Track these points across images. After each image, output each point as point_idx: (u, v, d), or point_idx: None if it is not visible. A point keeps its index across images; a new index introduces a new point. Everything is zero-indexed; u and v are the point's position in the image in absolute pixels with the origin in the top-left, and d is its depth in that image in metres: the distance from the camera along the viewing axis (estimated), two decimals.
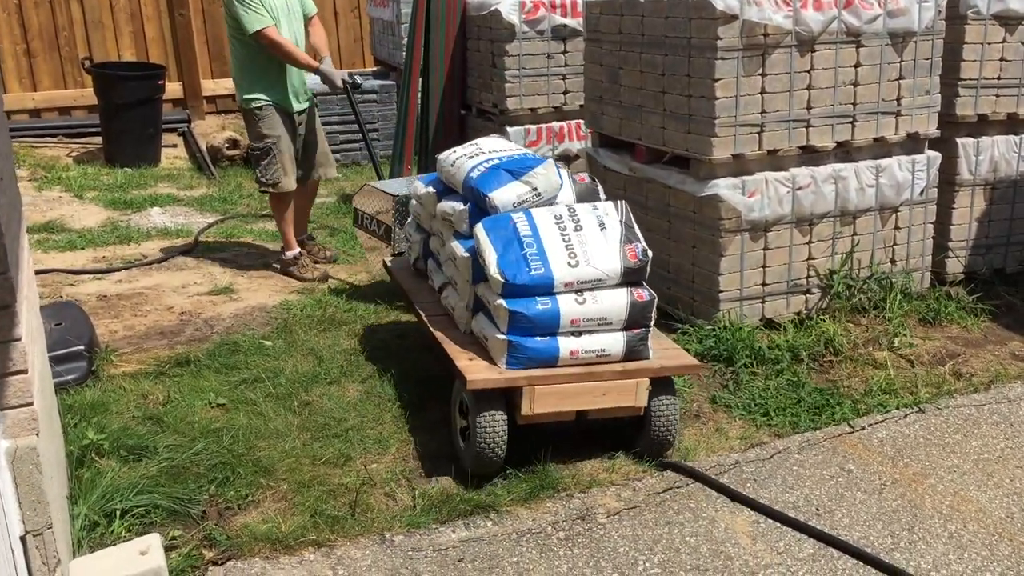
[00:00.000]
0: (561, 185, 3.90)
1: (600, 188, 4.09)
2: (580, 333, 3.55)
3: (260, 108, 5.67)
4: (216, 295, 5.61)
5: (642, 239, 3.70)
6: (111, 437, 3.67)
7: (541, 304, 3.50)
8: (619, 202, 3.84)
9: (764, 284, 4.68)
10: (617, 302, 3.56)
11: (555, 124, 6.60)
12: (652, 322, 3.65)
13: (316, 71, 5.68)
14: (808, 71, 4.53)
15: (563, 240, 3.61)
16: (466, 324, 3.86)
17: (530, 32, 6.38)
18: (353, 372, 4.45)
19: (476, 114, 7.01)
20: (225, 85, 10.59)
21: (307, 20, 5.98)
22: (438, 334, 3.88)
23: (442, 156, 4.20)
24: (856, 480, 3.51)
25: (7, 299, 2.40)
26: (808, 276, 4.76)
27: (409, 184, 5.06)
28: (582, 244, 3.61)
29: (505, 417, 3.50)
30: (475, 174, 3.86)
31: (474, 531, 3.27)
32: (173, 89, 10.17)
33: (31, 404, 2.48)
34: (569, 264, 3.55)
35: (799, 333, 4.61)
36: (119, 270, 6.06)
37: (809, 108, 4.58)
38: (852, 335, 4.61)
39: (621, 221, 3.73)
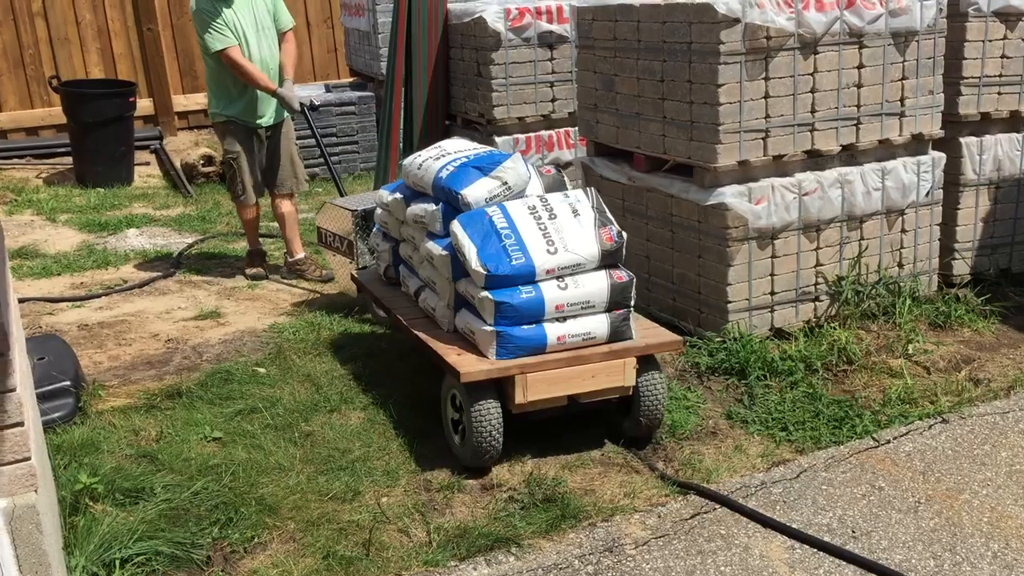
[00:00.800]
0: (529, 178, 3.97)
1: (566, 179, 4.18)
2: (565, 318, 3.63)
3: (223, 123, 5.83)
4: (202, 320, 5.41)
5: (615, 222, 3.77)
6: (105, 480, 3.47)
7: (525, 292, 3.58)
8: (588, 189, 3.92)
9: (773, 293, 4.56)
10: (598, 285, 3.65)
11: (544, 133, 6.45)
12: (632, 302, 3.73)
13: (274, 94, 5.74)
14: (811, 74, 4.42)
15: (540, 229, 3.68)
16: (449, 322, 3.89)
17: (516, 40, 6.23)
18: (354, 398, 4.27)
19: (461, 124, 6.85)
20: (196, 100, 10.37)
21: (281, 35, 5.99)
22: (423, 335, 3.91)
23: (407, 161, 4.24)
24: (889, 498, 3.38)
25: (0, 346, 2.21)
26: (816, 283, 4.65)
27: (366, 199, 5.27)
28: (558, 231, 3.68)
29: (499, 406, 3.56)
30: (444, 174, 3.91)
31: (497, 568, 3.11)
32: (144, 106, 9.94)
33: (28, 459, 2.29)
34: (548, 251, 3.63)
35: (810, 342, 4.50)
36: (99, 296, 5.84)
37: (813, 111, 4.47)
38: (864, 342, 4.50)
39: (593, 207, 3.81)
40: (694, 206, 4.53)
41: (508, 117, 6.35)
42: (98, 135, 8.72)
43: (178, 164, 9.25)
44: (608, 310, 3.68)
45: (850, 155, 4.66)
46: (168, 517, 3.36)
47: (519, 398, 3.57)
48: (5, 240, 6.98)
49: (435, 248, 3.85)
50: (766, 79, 4.34)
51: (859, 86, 4.55)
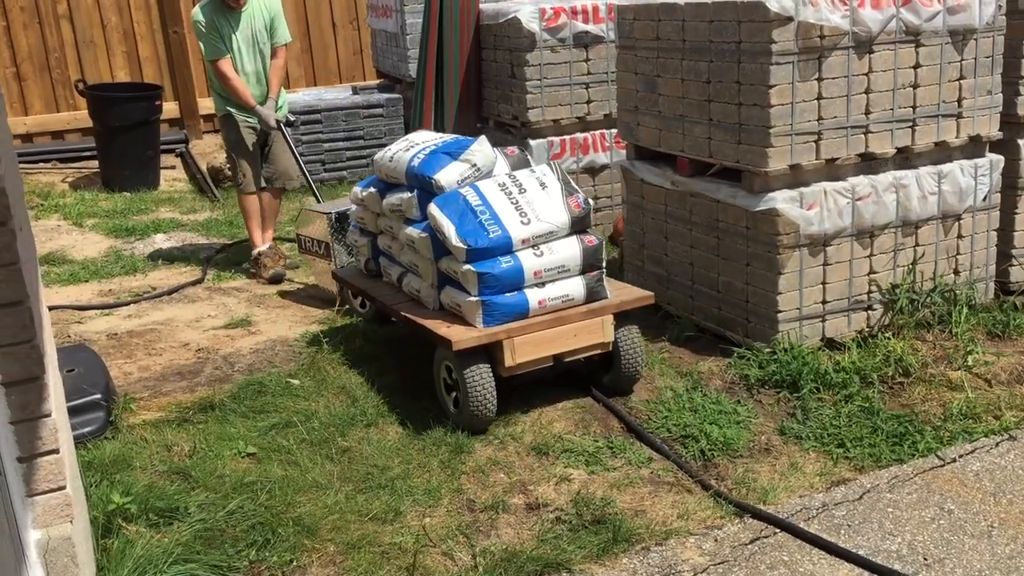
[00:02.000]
0: (496, 159, 4.24)
1: (530, 157, 4.47)
2: (544, 283, 3.93)
3: (223, 116, 6.17)
4: (233, 328, 5.30)
5: (580, 191, 4.09)
6: (138, 499, 3.35)
7: (504, 262, 3.85)
8: (552, 163, 4.26)
9: (824, 302, 4.39)
10: (571, 250, 3.95)
11: (579, 135, 6.30)
12: (604, 264, 4.06)
13: (252, 110, 6.06)
14: (866, 74, 4.25)
15: (512, 203, 3.95)
16: (434, 301, 4.12)
17: (551, 40, 6.08)
18: (391, 412, 4.14)
19: (494, 127, 6.71)
20: None
21: (274, 49, 6.21)
22: (411, 315, 4.14)
23: (378, 156, 4.49)
24: (960, 522, 3.21)
25: (35, 370, 2.09)
26: (870, 291, 4.47)
27: (339, 204, 5.57)
28: (529, 204, 3.96)
29: (490, 370, 3.83)
30: (416, 162, 4.16)
31: None
32: (169, 109, 9.86)
33: (64, 488, 2.17)
34: (522, 223, 3.90)
35: (864, 353, 4.32)
36: (127, 304, 5.74)
37: (868, 113, 4.29)
38: (920, 353, 4.32)
39: (559, 179, 4.10)
40: (742, 212, 4.36)
41: (542, 119, 6.20)
42: (124, 139, 8.65)
43: (204, 167, 9.17)
44: (582, 272, 3.99)
45: (905, 158, 4.48)
46: (203, 538, 3.23)
47: (508, 361, 3.84)
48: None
49: (415, 232, 4.07)
50: (819, 80, 4.17)
51: (915, 86, 4.36)
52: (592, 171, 6.37)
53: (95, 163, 9.18)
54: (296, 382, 4.44)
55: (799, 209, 4.22)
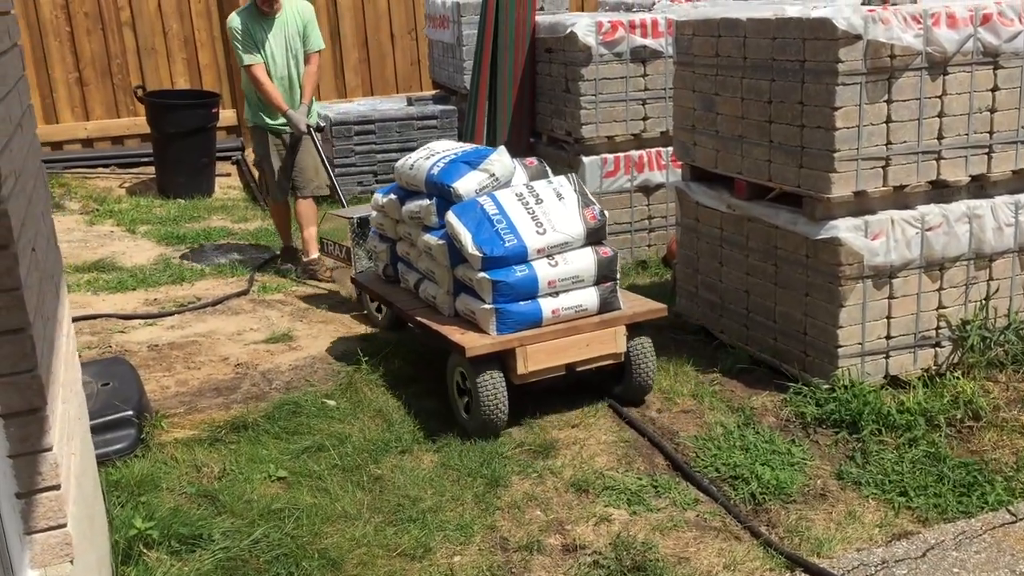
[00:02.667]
0: (515, 169, 4.32)
1: (549, 169, 4.51)
2: (558, 293, 3.97)
3: (252, 127, 6.35)
4: (274, 343, 5.21)
5: (597, 202, 4.13)
6: (161, 524, 3.25)
7: (519, 271, 3.90)
8: (570, 175, 4.27)
9: (888, 337, 4.13)
10: (585, 261, 4.00)
11: (634, 153, 6.11)
12: (618, 275, 4.08)
13: (284, 114, 6.12)
14: (939, 96, 3.99)
15: (528, 213, 4.00)
16: (449, 307, 4.17)
17: (607, 55, 5.91)
18: (427, 438, 3.99)
19: (547, 142, 6.56)
20: None
21: (307, 56, 6.29)
22: (427, 320, 4.20)
23: (399, 163, 4.58)
24: None
25: (36, 402, 1.98)
26: (938, 327, 4.20)
27: (362, 209, 5.62)
28: (546, 214, 4.01)
29: (503, 377, 3.86)
30: (436, 170, 4.25)
31: None
32: (227, 116, 9.89)
33: (64, 526, 2.04)
34: (538, 232, 3.95)
35: (931, 393, 4.05)
36: (171, 315, 5.69)
37: (940, 138, 4.04)
38: (992, 395, 4.04)
39: (575, 190, 4.14)
40: (802, 239, 4.13)
41: (596, 136, 6.02)
42: (180, 146, 8.67)
43: (257, 176, 9.16)
44: (596, 283, 4.03)
45: (980, 186, 4.21)
46: (225, 568, 3.12)
47: (520, 368, 3.87)
48: (83, 252, 6.92)
49: (432, 239, 4.15)
50: (888, 102, 3.93)
51: (992, 110, 4.10)
52: (647, 190, 6.17)
53: (152, 169, 9.23)
54: (332, 403, 4.32)
55: (863, 239, 3.98)
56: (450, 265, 4.09)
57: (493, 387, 3.83)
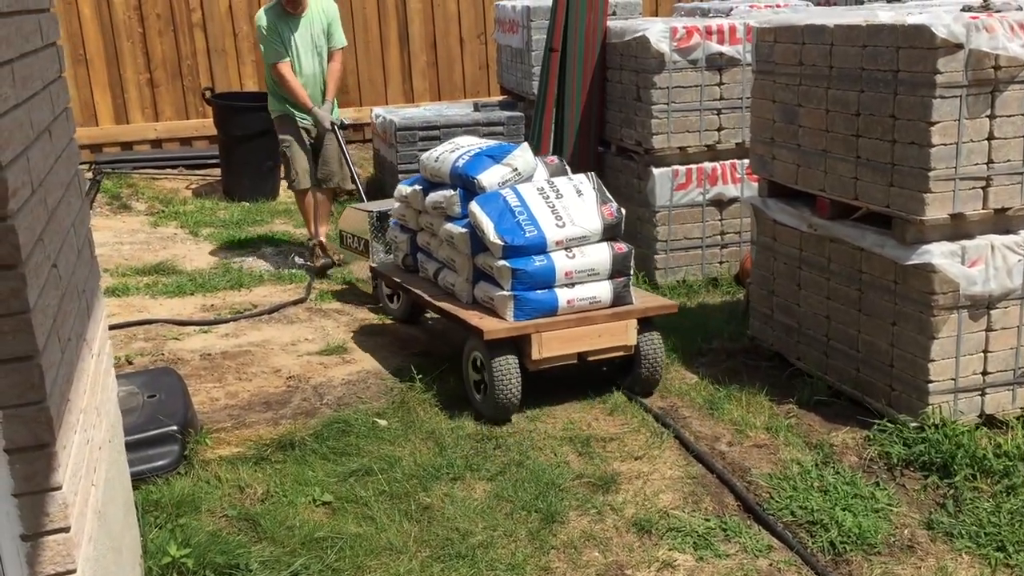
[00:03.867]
0: (536, 166, 4.50)
1: (568, 167, 4.69)
2: (574, 284, 4.13)
3: (278, 116, 6.44)
4: (328, 355, 5.05)
5: (614, 200, 4.30)
6: (197, 551, 3.09)
7: (538, 261, 4.07)
8: (589, 174, 4.43)
9: (985, 372, 3.79)
10: (601, 255, 4.16)
11: (707, 165, 5.82)
12: (632, 271, 4.26)
13: (309, 112, 6.31)
14: None
15: (548, 207, 4.17)
16: (468, 295, 4.34)
17: (681, 62, 5.63)
18: (480, 465, 3.77)
19: (615, 152, 6.30)
20: (346, 115, 10.16)
21: (330, 53, 6.48)
22: (446, 305, 4.39)
23: (424, 156, 4.74)
24: None
25: (43, 436, 1.81)
26: None
27: (382, 204, 5.83)
28: (565, 209, 4.18)
29: (518, 362, 4.02)
30: (461, 163, 4.41)
31: None
32: None
33: (73, 571, 1.87)
34: (557, 225, 4.12)
35: None
36: (226, 322, 5.57)
37: None
38: None
39: (594, 188, 4.32)
40: (890, 264, 3.81)
41: (668, 146, 5.74)
42: (246, 148, 8.62)
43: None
44: (611, 277, 4.18)
45: None
46: None
47: (535, 354, 4.04)
48: (145, 254, 6.87)
49: (455, 228, 4.31)
50: (991, 117, 3.59)
51: None
52: (719, 204, 5.87)
53: (219, 171, 9.21)
54: (383, 423, 4.13)
55: (959, 265, 3.64)
56: (471, 253, 4.24)
57: (508, 371, 3.97)
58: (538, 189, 4.27)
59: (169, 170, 9.69)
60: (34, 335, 1.76)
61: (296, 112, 6.36)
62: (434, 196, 4.51)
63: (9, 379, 1.75)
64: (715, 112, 5.76)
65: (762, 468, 3.68)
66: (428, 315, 5.40)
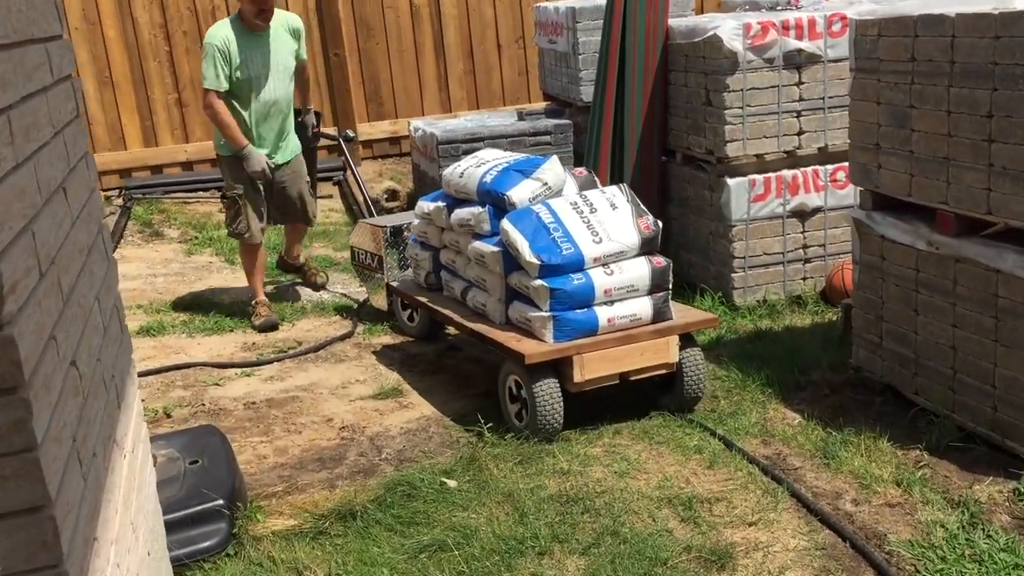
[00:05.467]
0: (566, 179, 4.35)
1: (597, 179, 4.56)
2: (613, 302, 3.98)
3: (228, 157, 5.59)
4: (382, 399, 4.60)
5: (649, 213, 4.14)
6: None
7: (576, 280, 3.92)
8: (621, 185, 4.29)
9: None
10: (640, 270, 4.02)
11: (787, 173, 5.30)
12: (670, 285, 4.08)
13: (240, 151, 5.45)
14: None
15: (583, 222, 4.03)
16: (500, 315, 4.17)
17: (756, 61, 5.12)
18: (569, 535, 3.28)
19: (681, 161, 5.80)
20: (382, 128, 9.80)
21: (299, 66, 5.82)
22: (481, 327, 4.21)
23: (447, 172, 4.56)
24: None
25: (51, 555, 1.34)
26: None
27: (395, 218, 5.72)
28: (600, 223, 4.04)
29: (558, 384, 3.88)
30: (488, 178, 4.24)
31: None
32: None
33: None
34: (594, 241, 3.98)
35: None
36: (270, 363, 5.14)
37: None
38: None
39: (628, 200, 4.18)
40: None
41: (743, 154, 5.24)
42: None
43: (360, 199, 8.64)
44: (650, 292, 4.04)
45: None
46: None
47: (577, 377, 3.89)
48: (179, 287, 6.44)
49: (485, 247, 4.15)
50: None
51: None
52: (801, 215, 5.35)
53: None
54: (452, 484, 3.66)
55: None
56: (503, 272, 4.08)
57: (550, 395, 3.85)
58: (571, 203, 4.12)
59: (201, 193, 9.30)
60: (44, 479, 1.31)
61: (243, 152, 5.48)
62: (460, 213, 4.33)
63: (13, 539, 1.30)
64: (794, 114, 5.24)
65: (900, 533, 3.16)
66: (448, 331, 5.13)
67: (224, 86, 5.36)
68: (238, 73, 5.36)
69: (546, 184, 4.21)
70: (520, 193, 4.14)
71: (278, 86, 5.56)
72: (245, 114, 5.51)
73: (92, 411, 1.73)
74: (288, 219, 6.01)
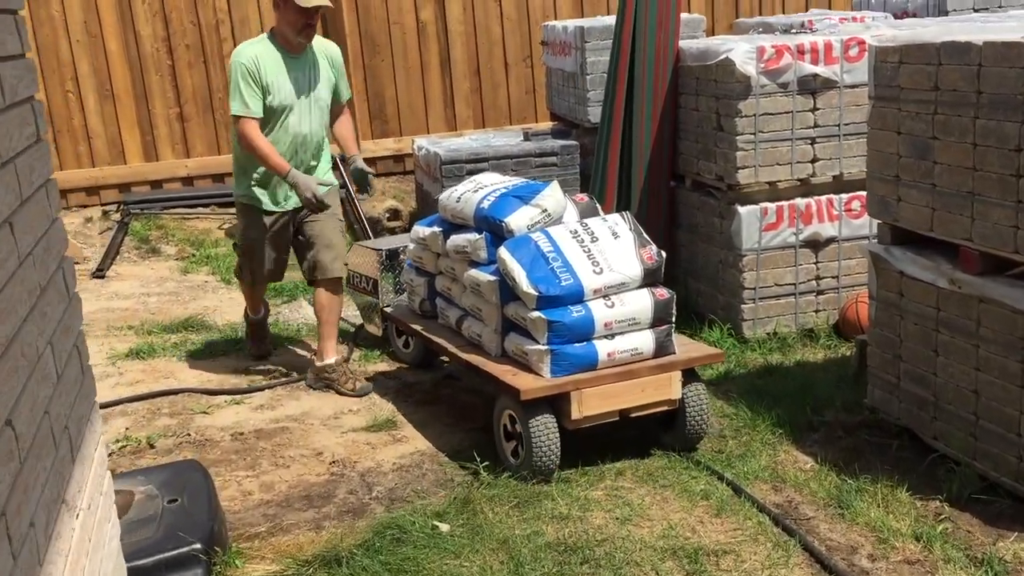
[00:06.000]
0: (567, 206, 4.19)
1: (599, 205, 4.39)
2: (614, 335, 3.81)
3: (243, 206, 4.94)
4: (375, 432, 4.41)
5: (653, 243, 3.96)
6: None
7: (575, 312, 3.76)
8: (624, 213, 4.13)
9: None
10: (642, 302, 3.85)
11: (800, 201, 5.12)
12: (674, 318, 3.90)
13: (285, 176, 4.64)
14: None
15: (584, 251, 3.88)
16: (496, 347, 4.01)
17: (770, 85, 4.95)
18: None
19: (691, 187, 5.62)
20: (385, 145, 9.64)
21: (339, 108, 5.02)
22: (475, 359, 4.05)
23: (443, 196, 4.40)
24: None
25: None
26: None
27: (392, 241, 5.53)
28: (601, 253, 3.88)
29: (555, 421, 3.70)
30: (486, 204, 4.10)
31: None
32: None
33: None
34: (594, 272, 3.82)
35: None
36: (260, 390, 4.96)
37: None
38: None
39: (631, 229, 4.01)
40: None
41: (755, 181, 5.06)
42: None
43: (363, 216, 8.48)
44: (652, 326, 3.86)
45: None
46: None
47: (575, 414, 3.72)
48: (174, 307, 6.22)
49: (481, 275, 4.00)
50: None
51: None
52: (814, 245, 5.16)
53: None
54: (445, 528, 3.47)
55: None
56: (500, 303, 3.93)
57: (546, 432, 3.68)
58: (571, 232, 3.98)
59: (201, 209, 9.15)
60: None
61: (268, 200, 4.81)
62: (456, 239, 4.19)
63: None
64: (809, 141, 5.06)
65: None
66: (444, 359, 4.85)
67: (258, 113, 4.61)
68: (268, 99, 4.64)
69: (545, 211, 4.05)
70: (518, 220, 3.99)
71: (311, 119, 4.78)
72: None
73: (32, 475, 1.55)
74: (312, 271, 4.92)
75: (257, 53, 4.63)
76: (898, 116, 3.76)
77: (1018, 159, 3.21)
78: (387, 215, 8.28)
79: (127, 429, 4.51)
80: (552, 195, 4.09)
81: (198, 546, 3.10)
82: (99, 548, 1.99)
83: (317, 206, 4.68)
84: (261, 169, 4.77)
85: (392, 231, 8.08)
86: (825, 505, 3.49)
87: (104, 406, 4.75)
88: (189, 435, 4.42)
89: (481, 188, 4.26)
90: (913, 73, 3.65)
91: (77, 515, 1.84)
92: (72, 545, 1.75)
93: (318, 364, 4.92)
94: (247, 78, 4.59)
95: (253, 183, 4.83)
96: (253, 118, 4.62)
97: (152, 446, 4.31)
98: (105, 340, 5.77)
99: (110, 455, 4.23)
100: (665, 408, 3.89)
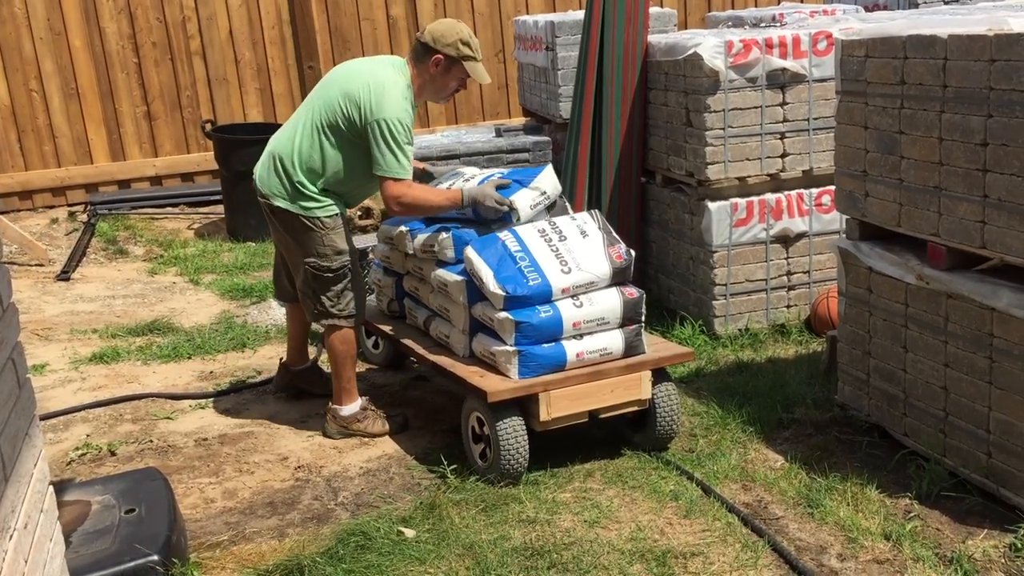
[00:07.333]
0: (562, 189, 4.30)
1: (568, 205, 4.39)
2: (582, 335, 3.77)
3: (322, 220, 4.10)
4: (344, 436, 4.33)
5: (621, 241, 3.93)
6: None
7: (543, 312, 3.70)
8: (593, 211, 4.08)
9: None
10: (611, 302, 3.80)
11: (770, 196, 5.08)
12: (644, 317, 3.87)
13: (461, 203, 4.02)
14: None
15: (552, 251, 3.83)
16: (464, 347, 3.96)
17: (738, 80, 4.91)
18: None
19: (661, 183, 5.58)
20: None
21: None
22: (442, 360, 3.99)
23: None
24: None
25: None
26: None
27: (362, 239, 5.44)
28: (570, 252, 3.84)
29: (523, 423, 3.65)
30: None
31: None
32: None
33: None
34: (563, 271, 3.78)
35: None
36: (226, 394, 4.88)
37: None
38: None
39: (600, 227, 3.97)
40: None
41: (725, 177, 5.02)
42: (249, 185, 7.92)
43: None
44: (622, 325, 3.83)
45: None
46: None
47: (543, 415, 3.67)
48: (140, 310, 6.13)
49: (448, 275, 3.94)
50: None
51: None
52: (785, 241, 5.13)
53: (223, 208, 8.56)
54: (410, 533, 3.41)
55: None
56: (467, 303, 3.87)
57: (514, 434, 3.63)
58: (539, 231, 3.93)
59: (170, 208, 9.04)
60: None
61: (342, 202, 4.20)
62: (422, 238, 4.12)
63: None
64: (778, 136, 5.03)
65: None
66: (413, 360, 4.69)
67: (408, 173, 4.02)
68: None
69: (544, 192, 4.10)
70: (522, 200, 4.01)
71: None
72: (354, 183, 4.16)
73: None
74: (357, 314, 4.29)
75: (408, 108, 3.99)
76: (865, 111, 3.72)
77: (984, 153, 3.18)
78: (359, 214, 8.18)
79: (88, 436, 4.42)
80: (548, 177, 4.13)
81: (155, 558, 3.02)
82: (36, 569, 1.92)
83: (508, 209, 3.98)
84: (353, 187, 4.19)
85: (364, 230, 7.99)
86: (795, 504, 3.46)
87: (65, 412, 4.66)
88: (152, 441, 4.34)
89: (473, 177, 4.22)
90: (879, 67, 3.61)
91: (10, 536, 1.77)
92: (3, 568, 1.68)
93: (342, 414, 4.27)
94: (407, 136, 3.96)
95: (328, 186, 4.12)
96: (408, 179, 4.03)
97: (113, 453, 4.22)
98: (69, 344, 5.67)
99: (69, 463, 4.14)
100: (635, 408, 3.85)
